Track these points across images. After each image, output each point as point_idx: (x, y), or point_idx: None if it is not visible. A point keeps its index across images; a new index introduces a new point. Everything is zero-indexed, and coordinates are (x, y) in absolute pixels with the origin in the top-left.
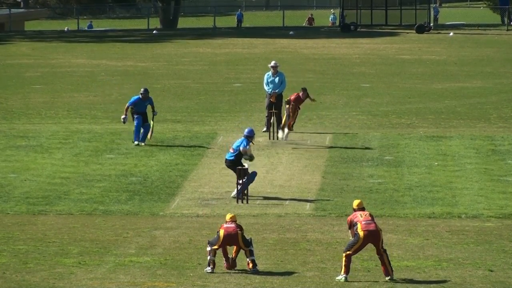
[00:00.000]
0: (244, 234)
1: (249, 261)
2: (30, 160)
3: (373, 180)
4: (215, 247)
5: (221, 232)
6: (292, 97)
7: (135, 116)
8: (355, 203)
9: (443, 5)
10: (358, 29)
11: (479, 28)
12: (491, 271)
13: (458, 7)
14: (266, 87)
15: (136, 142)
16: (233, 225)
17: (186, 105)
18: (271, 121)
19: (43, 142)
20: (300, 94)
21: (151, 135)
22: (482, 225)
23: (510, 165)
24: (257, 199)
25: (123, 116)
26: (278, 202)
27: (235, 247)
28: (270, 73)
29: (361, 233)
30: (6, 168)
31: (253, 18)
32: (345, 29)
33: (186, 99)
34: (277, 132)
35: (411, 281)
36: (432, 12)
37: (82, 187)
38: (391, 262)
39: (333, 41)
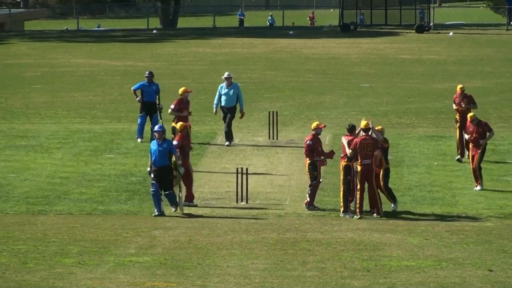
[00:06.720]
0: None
1: None
2: (30, 160)
3: None
4: None
5: None
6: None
7: (140, 115)
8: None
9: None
10: (358, 29)
11: (479, 27)
12: (491, 271)
13: (457, 6)
14: (215, 102)
15: (139, 140)
16: None
17: None
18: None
19: (43, 142)
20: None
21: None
22: (482, 225)
23: (509, 165)
24: (257, 199)
25: (138, 98)
26: (277, 202)
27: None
28: (224, 84)
29: None
30: (5, 168)
31: (253, 18)
32: (344, 29)
33: None
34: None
35: (410, 281)
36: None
37: (82, 187)
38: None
39: (333, 41)
